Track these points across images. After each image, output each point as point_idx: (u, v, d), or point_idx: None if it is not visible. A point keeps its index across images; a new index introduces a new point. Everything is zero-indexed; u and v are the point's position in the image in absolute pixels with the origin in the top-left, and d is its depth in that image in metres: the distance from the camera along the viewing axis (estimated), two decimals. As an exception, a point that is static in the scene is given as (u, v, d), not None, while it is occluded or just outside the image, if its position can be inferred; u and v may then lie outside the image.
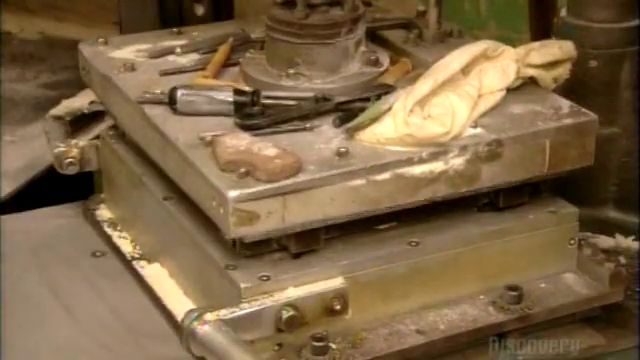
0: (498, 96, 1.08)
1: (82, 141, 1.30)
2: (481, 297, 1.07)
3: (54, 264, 1.20)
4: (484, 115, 1.06)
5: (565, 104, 1.09)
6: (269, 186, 0.97)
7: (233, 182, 0.97)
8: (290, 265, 1.02)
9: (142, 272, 1.17)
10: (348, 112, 1.05)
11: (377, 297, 1.04)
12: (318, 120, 1.06)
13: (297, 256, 1.03)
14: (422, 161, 1.02)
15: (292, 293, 1.00)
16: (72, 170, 1.28)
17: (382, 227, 1.07)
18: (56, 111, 1.37)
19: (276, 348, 1.00)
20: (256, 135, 1.03)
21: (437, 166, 1.02)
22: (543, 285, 1.09)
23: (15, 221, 1.29)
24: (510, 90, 1.09)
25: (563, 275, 1.11)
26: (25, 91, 1.62)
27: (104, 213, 1.29)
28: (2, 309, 1.11)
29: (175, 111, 1.08)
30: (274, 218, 0.97)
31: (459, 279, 1.08)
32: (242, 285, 1.00)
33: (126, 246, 1.22)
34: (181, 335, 0.98)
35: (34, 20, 1.86)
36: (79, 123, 1.37)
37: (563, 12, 1.23)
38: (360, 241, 1.05)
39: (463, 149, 1.03)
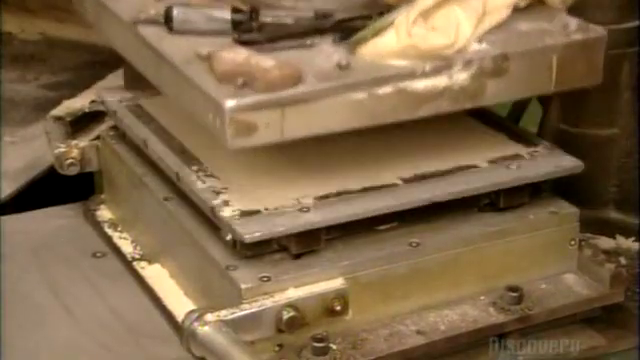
0: (504, 13, 1.05)
1: (82, 142, 1.30)
2: (481, 298, 1.07)
3: (54, 264, 1.20)
4: (490, 31, 1.04)
5: (573, 21, 1.07)
6: (267, 96, 0.95)
7: (230, 92, 0.95)
8: (291, 266, 1.02)
9: (142, 273, 1.17)
10: (349, 29, 1.03)
11: (378, 298, 1.04)
12: (318, 38, 1.03)
13: (298, 257, 1.03)
14: (425, 75, 1.00)
15: (293, 294, 1.00)
16: (73, 171, 1.28)
17: (382, 228, 1.07)
18: (57, 112, 1.37)
19: (276, 349, 1.00)
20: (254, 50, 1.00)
21: (441, 81, 1.00)
22: (543, 286, 1.09)
23: (15, 221, 1.29)
24: (517, 9, 1.06)
25: (563, 276, 1.11)
26: (25, 92, 1.61)
27: (105, 214, 1.29)
28: (2, 309, 1.11)
29: (171, 30, 1.05)
30: (272, 130, 0.95)
31: (460, 279, 1.07)
32: (243, 286, 1.00)
33: (127, 247, 1.22)
34: (181, 335, 0.98)
35: (35, 21, 1.86)
36: (80, 124, 1.37)
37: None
38: (360, 242, 1.05)
39: (468, 63, 1.01)
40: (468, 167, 1.10)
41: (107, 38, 1.19)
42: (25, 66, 1.71)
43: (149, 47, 1.05)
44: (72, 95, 1.45)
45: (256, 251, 1.02)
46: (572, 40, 1.05)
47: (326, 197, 1.05)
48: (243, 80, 0.95)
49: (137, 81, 1.32)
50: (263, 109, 0.95)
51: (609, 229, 1.19)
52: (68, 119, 1.35)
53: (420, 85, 1.00)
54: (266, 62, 0.97)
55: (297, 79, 0.96)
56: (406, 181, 1.08)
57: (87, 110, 1.36)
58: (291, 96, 0.96)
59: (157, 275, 1.16)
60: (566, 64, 1.04)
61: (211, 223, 1.06)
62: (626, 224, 1.20)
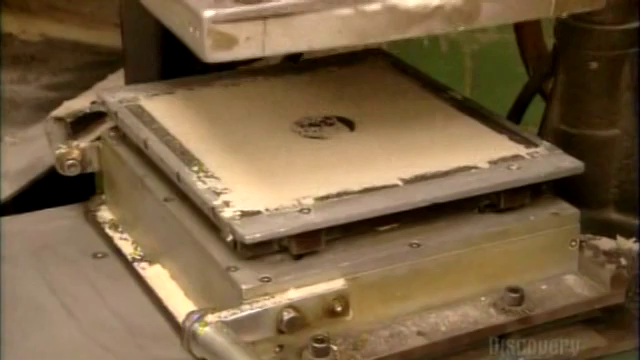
0: None
1: (83, 142, 1.30)
2: (482, 299, 1.07)
3: (55, 265, 1.20)
4: None
5: None
6: (248, 7, 0.93)
7: (210, 2, 0.94)
8: (291, 267, 1.02)
9: (143, 273, 1.17)
10: None
11: (378, 298, 1.04)
12: None
13: (298, 257, 1.03)
14: None
15: (293, 294, 1.00)
16: (73, 171, 1.28)
17: (383, 228, 1.07)
18: (57, 112, 1.37)
19: (277, 350, 1.00)
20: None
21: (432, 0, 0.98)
22: (544, 287, 1.09)
23: (16, 222, 1.29)
24: None
25: (564, 277, 1.11)
26: (26, 92, 1.61)
27: (105, 214, 1.29)
28: (2, 310, 1.11)
29: None
30: (253, 44, 0.94)
31: (460, 280, 1.07)
32: (243, 287, 1.00)
33: (127, 248, 1.22)
34: (182, 336, 0.98)
35: (35, 22, 1.86)
36: (80, 124, 1.37)
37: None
38: (361, 242, 1.05)
39: None
40: (468, 168, 1.10)
41: None
42: (26, 67, 1.71)
43: None
44: (73, 96, 1.45)
45: (257, 252, 1.02)
46: None
47: (326, 198, 1.05)
48: None
49: (138, 81, 1.32)
50: (243, 21, 0.93)
51: (610, 230, 1.19)
52: (69, 120, 1.35)
53: (411, 3, 0.97)
54: None
55: None
56: (406, 182, 1.08)
57: (88, 111, 1.36)
58: (272, 9, 0.93)
59: (158, 276, 1.16)
60: None
61: (212, 224, 1.06)
62: (627, 225, 1.20)
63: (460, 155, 1.12)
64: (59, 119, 1.36)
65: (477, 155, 1.12)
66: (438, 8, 0.99)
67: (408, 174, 1.08)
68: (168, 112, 1.22)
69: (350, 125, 1.19)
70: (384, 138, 1.13)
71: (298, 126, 1.19)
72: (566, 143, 1.16)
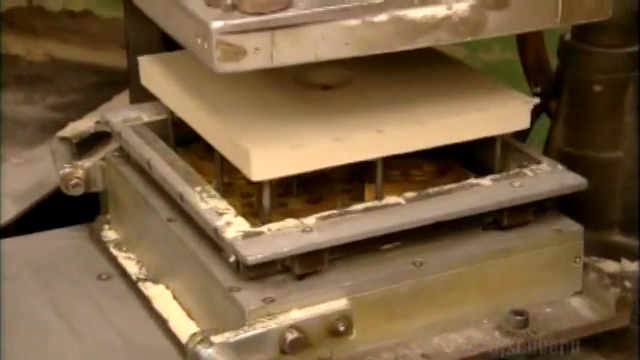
0: None
1: (88, 162, 1.30)
2: (485, 321, 1.07)
3: (59, 285, 1.20)
4: None
5: None
6: (256, 19, 0.94)
7: (218, 14, 0.94)
8: (294, 287, 1.02)
9: (147, 293, 1.17)
10: None
11: (381, 318, 1.04)
12: None
13: (301, 277, 1.03)
14: (423, 3, 0.98)
15: (296, 315, 1.00)
16: (78, 191, 1.28)
17: (386, 247, 1.07)
18: (63, 133, 1.38)
19: (280, 370, 1.00)
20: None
21: (439, 10, 0.98)
22: (549, 309, 1.09)
23: (20, 243, 1.29)
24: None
25: (569, 299, 1.10)
26: (31, 113, 1.62)
27: (110, 234, 1.29)
28: (7, 330, 1.11)
29: None
30: (262, 55, 0.94)
31: (464, 298, 1.07)
32: (246, 307, 1.00)
33: (132, 267, 1.22)
34: (185, 357, 0.98)
35: (41, 42, 1.87)
36: (85, 145, 1.37)
37: (567, 36, 1.22)
38: (364, 261, 1.05)
39: None
40: (471, 185, 1.10)
41: None
42: (31, 87, 1.72)
43: None
44: (78, 116, 1.46)
45: (259, 272, 1.02)
46: None
47: (328, 217, 1.05)
48: (231, 2, 0.94)
49: (142, 102, 1.33)
50: (251, 32, 0.93)
51: (614, 252, 1.18)
52: (74, 140, 1.36)
53: (417, 14, 0.98)
54: None
55: (287, 2, 0.95)
56: (409, 200, 1.08)
57: (93, 131, 1.37)
58: (280, 19, 0.94)
59: (161, 296, 1.16)
60: None
61: (215, 244, 1.06)
62: (631, 247, 1.20)
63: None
64: (64, 139, 1.36)
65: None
66: (445, 19, 0.99)
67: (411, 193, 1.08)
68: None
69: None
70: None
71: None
72: (570, 164, 1.16)
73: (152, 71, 1.23)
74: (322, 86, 1.17)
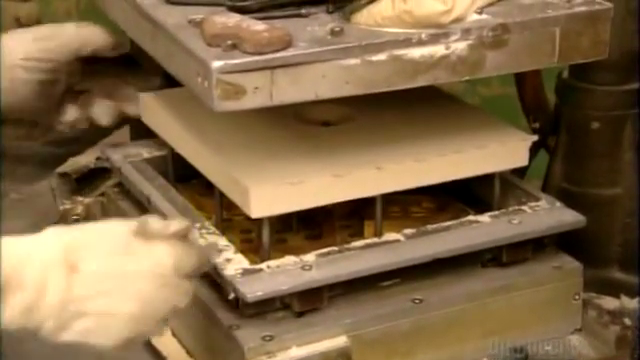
0: None
1: (88, 198, 1.31)
2: (485, 359, 1.06)
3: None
4: (491, 4, 1.03)
5: None
6: (256, 58, 0.94)
7: (218, 54, 0.95)
8: (293, 324, 1.02)
9: (146, 330, 1.16)
10: (344, 0, 1.02)
11: (381, 355, 1.04)
12: (314, 8, 1.02)
13: (300, 315, 1.03)
14: (421, 43, 0.99)
15: (295, 352, 1.00)
16: (78, 227, 1.28)
17: (385, 284, 1.07)
18: (62, 168, 1.38)
19: (280, 409, 1.00)
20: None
21: (438, 50, 0.99)
22: (548, 347, 1.08)
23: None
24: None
25: (568, 337, 1.10)
26: (32, 148, 1.62)
27: (109, 270, 1.29)
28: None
29: (167, 0, 1.06)
30: (261, 94, 0.95)
31: (464, 335, 1.07)
32: (245, 345, 0.99)
33: (131, 304, 1.22)
34: (184, 396, 0.98)
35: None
36: (85, 180, 1.37)
37: (565, 74, 1.23)
38: (363, 298, 1.05)
39: (466, 32, 1.00)
40: (470, 222, 1.11)
41: (108, 12, 1.19)
42: (32, 123, 1.72)
43: (145, 16, 1.06)
44: (78, 152, 1.46)
45: (259, 310, 1.02)
46: (575, 12, 1.04)
47: (328, 254, 1.05)
48: (232, 42, 0.95)
49: (142, 137, 1.33)
50: (251, 71, 0.94)
51: (613, 289, 1.18)
52: (74, 176, 1.36)
53: (416, 53, 0.99)
54: (256, 25, 0.97)
55: (287, 42, 0.96)
56: (408, 237, 1.08)
57: (92, 167, 1.37)
58: (280, 59, 0.95)
59: (161, 333, 1.15)
60: (570, 37, 1.03)
61: (214, 281, 1.06)
62: (631, 284, 1.19)
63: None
64: (64, 175, 1.37)
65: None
66: (443, 58, 1.00)
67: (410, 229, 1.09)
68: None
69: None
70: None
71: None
72: (569, 201, 1.16)
73: (153, 108, 1.24)
74: (322, 123, 1.18)
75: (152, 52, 1.08)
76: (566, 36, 1.03)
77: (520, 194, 1.16)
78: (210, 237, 1.09)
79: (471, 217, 1.12)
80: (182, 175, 1.24)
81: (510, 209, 1.13)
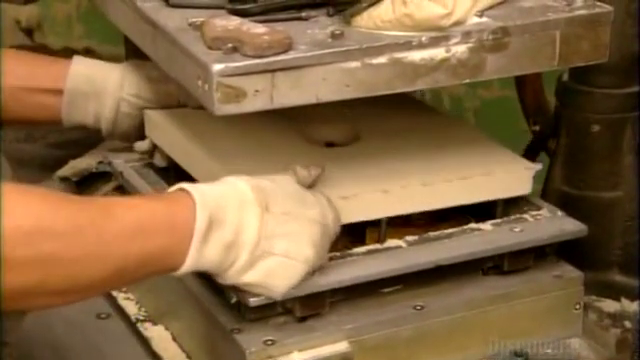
0: None
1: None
2: (487, 363, 1.07)
3: (58, 324, 1.20)
4: (492, 7, 1.04)
5: None
6: (256, 61, 0.95)
7: (219, 57, 0.95)
8: (295, 329, 1.02)
9: (146, 334, 1.16)
10: (346, 2, 1.02)
11: (382, 361, 1.04)
12: (315, 11, 1.03)
13: (302, 320, 1.03)
14: (422, 46, 0.99)
15: (297, 357, 1.00)
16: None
17: (387, 290, 1.07)
18: (63, 172, 1.38)
19: (280, 413, 1.00)
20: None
21: (438, 53, 0.99)
22: (549, 350, 1.09)
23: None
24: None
25: (569, 340, 1.10)
26: (32, 151, 1.62)
27: (109, 273, 1.29)
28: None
29: (167, 3, 1.06)
30: (262, 97, 0.95)
31: (465, 343, 1.07)
32: (247, 349, 1.00)
33: (131, 307, 1.22)
34: (185, 400, 0.98)
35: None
36: (86, 183, 1.37)
37: (565, 76, 1.24)
38: (365, 305, 1.05)
39: (466, 35, 1.00)
40: (472, 230, 1.11)
41: (109, 15, 1.20)
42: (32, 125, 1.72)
43: (146, 19, 1.06)
44: (79, 154, 1.46)
45: (261, 314, 1.02)
46: (575, 15, 1.04)
47: (330, 260, 1.05)
48: (232, 45, 0.96)
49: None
50: (252, 74, 0.95)
51: (614, 292, 1.18)
52: (74, 179, 1.36)
53: (416, 56, 0.99)
54: (257, 29, 0.97)
55: (287, 45, 0.96)
56: (410, 244, 1.08)
57: (94, 170, 1.37)
58: (281, 62, 0.95)
59: (161, 337, 1.15)
60: (570, 40, 1.04)
61: (216, 285, 1.06)
62: (631, 287, 1.20)
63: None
64: (64, 178, 1.36)
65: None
66: (443, 61, 1.00)
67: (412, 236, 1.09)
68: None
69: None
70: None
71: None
72: (569, 204, 1.16)
73: (157, 124, 1.23)
74: (326, 143, 1.18)
75: (153, 55, 1.08)
76: (566, 39, 1.04)
77: (522, 202, 1.16)
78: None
79: (473, 225, 1.12)
80: (183, 180, 1.23)
81: (512, 217, 1.13)
